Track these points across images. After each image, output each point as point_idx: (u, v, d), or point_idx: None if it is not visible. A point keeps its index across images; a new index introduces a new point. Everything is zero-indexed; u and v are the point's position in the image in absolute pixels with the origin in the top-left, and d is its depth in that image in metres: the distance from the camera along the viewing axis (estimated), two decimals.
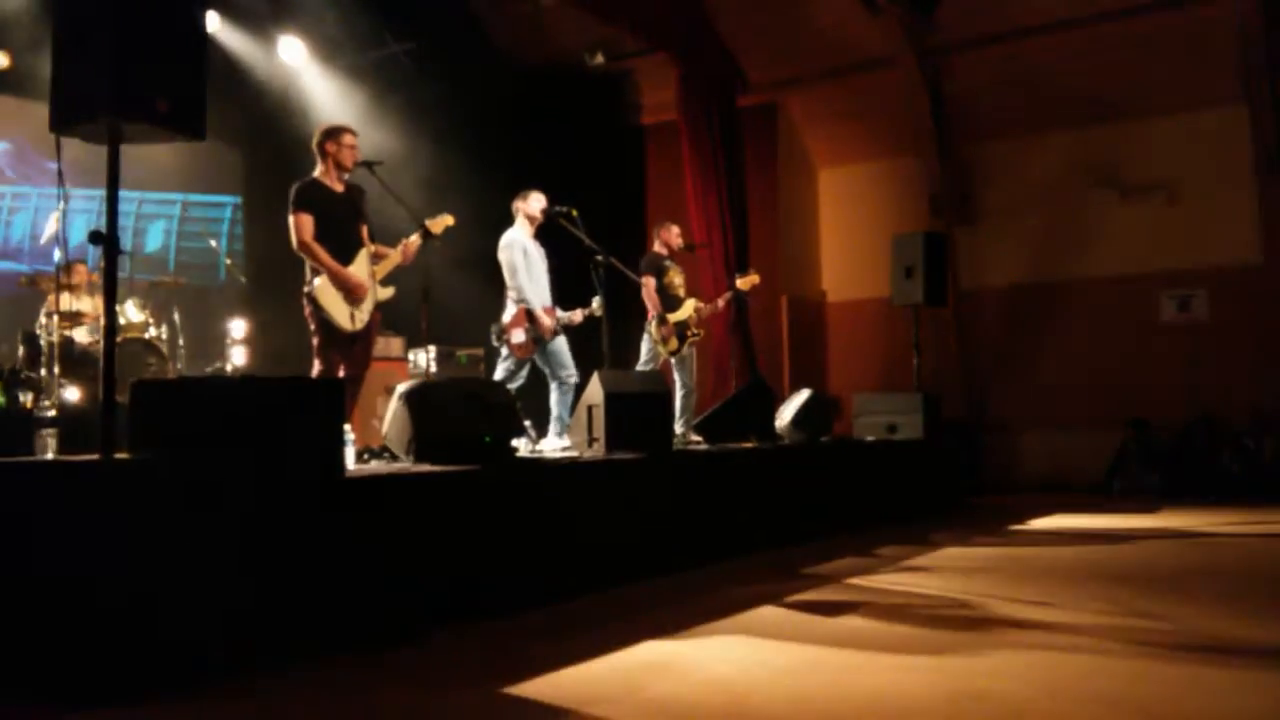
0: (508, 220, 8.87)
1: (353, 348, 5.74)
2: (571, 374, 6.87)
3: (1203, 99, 10.14)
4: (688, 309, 7.83)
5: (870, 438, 8.39)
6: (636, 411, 5.69)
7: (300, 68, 9.84)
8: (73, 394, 6.84)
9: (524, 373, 6.90)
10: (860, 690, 3.06)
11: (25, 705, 2.97)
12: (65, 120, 3.55)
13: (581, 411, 5.74)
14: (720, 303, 8.22)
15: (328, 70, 9.97)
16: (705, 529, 5.67)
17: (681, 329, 7.81)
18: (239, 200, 10.47)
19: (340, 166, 5.81)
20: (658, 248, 8.03)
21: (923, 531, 6.95)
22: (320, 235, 5.59)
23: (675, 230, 8.05)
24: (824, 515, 6.82)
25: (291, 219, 5.59)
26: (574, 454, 5.74)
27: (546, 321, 6.74)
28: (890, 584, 4.92)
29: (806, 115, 11.90)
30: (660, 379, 6.36)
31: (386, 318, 8.12)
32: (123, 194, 3.62)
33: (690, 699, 3.00)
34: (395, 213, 6.62)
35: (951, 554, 6.03)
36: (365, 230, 5.86)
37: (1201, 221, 10.22)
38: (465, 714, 2.95)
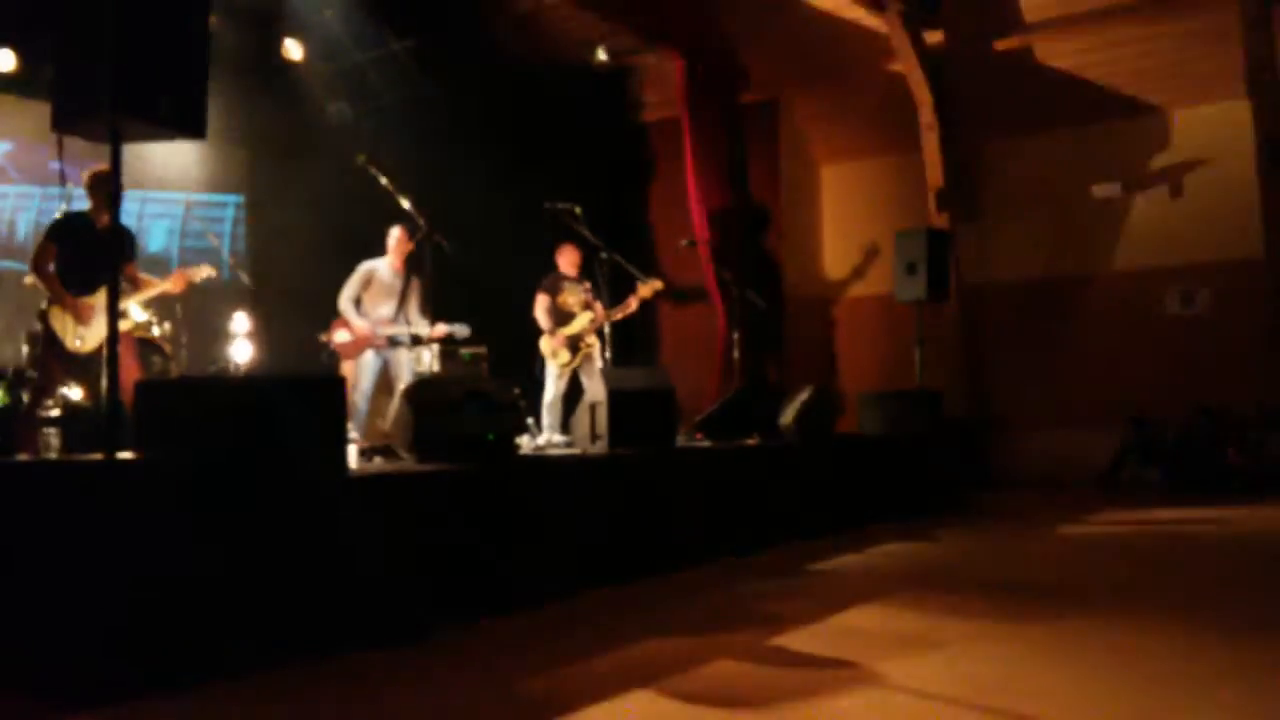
0: (510, 216, 8.91)
1: (84, 369, 6.19)
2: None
3: (1207, 94, 10.11)
4: (580, 323, 8.19)
5: (873, 434, 8.38)
6: (640, 408, 5.69)
7: (302, 66, 9.84)
8: (76, 394, 6.84)
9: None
10: (866, 689, 3.06)
11: (29, 704, 2.98)
12: (67, 119, 3.56)
13: (585, 408, 5.74)
14: (620, 313, 8.31)
15: (330, 68, 9.98)
16: (709, 526, 5.67)
17: (573, 341, 8.15)
18: (241, 199, 10.48)
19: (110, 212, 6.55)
20: (563, 268, 8.37)
21: (926, 528, 6.94)
22: (66, 265, 6.11)
23: (573, 251, 8.36)
24: (827, 512, 6.81)
25: (39, 244, 6.21)
26: (577, 451, 5.74)
27: (359, 326, 7.46)
28: (894, 580, 4.91)
29: (809, 111, 11.88)
30: (665, 375, 6.37)
31: None
32: (126, 193, 3.63)
33: (696, 696, 3.00)
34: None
35: (954, 550, 6.03)
36: (131, 267, 6.44)
37: (1205, 216, 10.19)
38: (469, 710, 2.96)
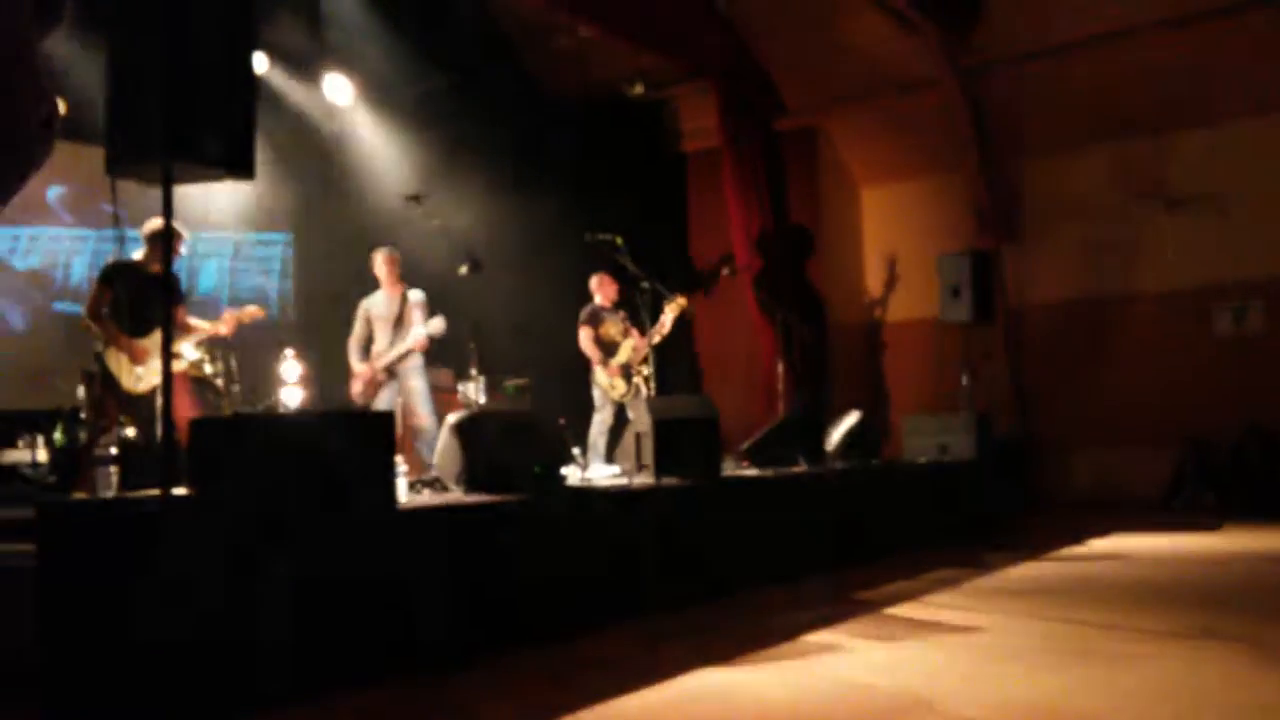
0: (552, 248, 8.99)
1: (139, 409, 6.33)
2: (419, 418, 7.39)
3: (1252, 108, 10.01)
4: (625, 351, 8.25)
5: (921, 459, 8.31)
6: (685, 437, 5.70)
7: (346, 105, 10.00)
8: (132, 431, 6.97)
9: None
10: (919, 715, 3.04)
11: None
12: (119, 163, 3.64)
13: (630, 438, 5.76)
14: (656, 336, 8.30)
15: (373, 106, 10.13)
16: (756, 554, 5.65)
17: (625, 371, 8.21)
18: (290, 237, 10.64)
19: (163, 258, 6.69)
20: (597, 301, 8.42)
21: (976, 553, 6.86)
22: (119, 308, 6.31)
23: (610, 283, 8.43)
24: (875, 538, 6.76)
25: (92, 290, 6.41)
26: (623, 481, 5.75)
27: (358, 370, 7.47)
28: (944, 607, 4.86)
29: (847, 136, 11.89)
30: (709, 404, 6.37)
31: (436, 349, 8.25)
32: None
33: None
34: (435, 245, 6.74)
35: (1006, 575, 5.96)
36: (180, 311, 6.63)
37: (1254, 232, 10.05)
38: None
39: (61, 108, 7.67)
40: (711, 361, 11.50)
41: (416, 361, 7.53)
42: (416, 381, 7.51)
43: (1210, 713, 2.97)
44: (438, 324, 7.31)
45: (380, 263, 7.60)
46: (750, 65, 10.62)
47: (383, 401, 7.44)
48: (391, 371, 7.49)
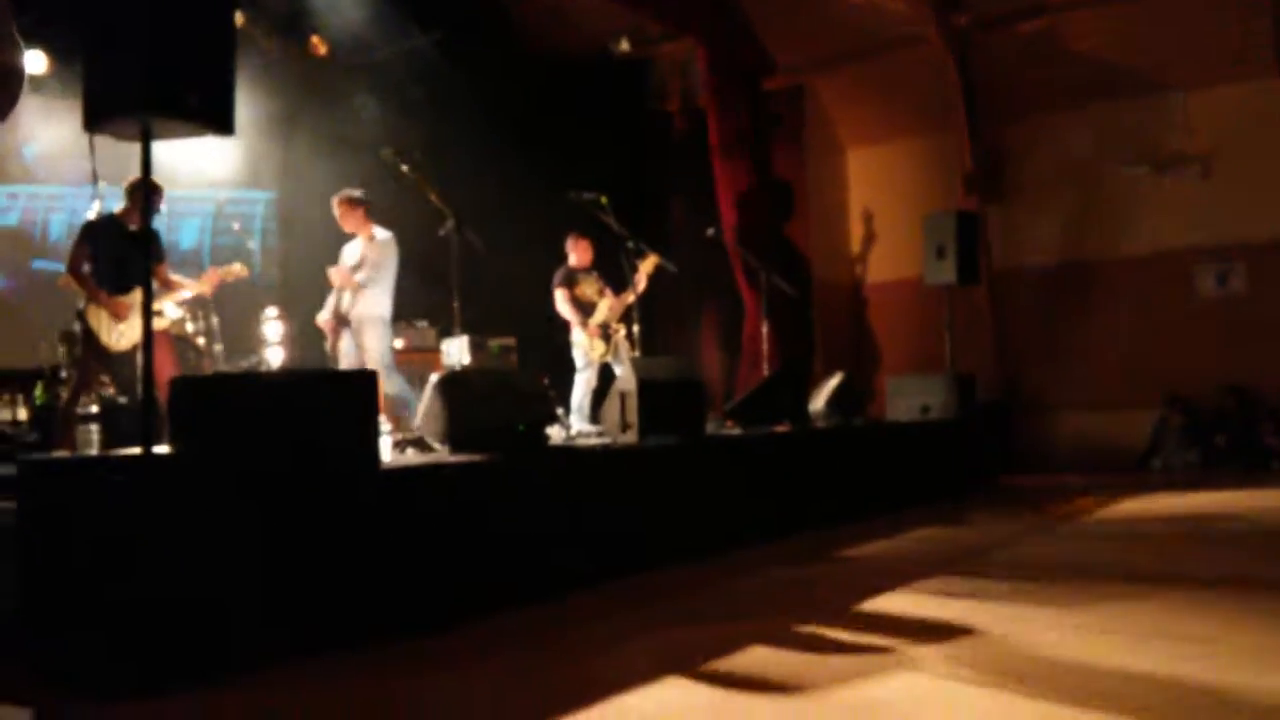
0: (534, 207, 8.93)
1: (120, 366, 6.35)
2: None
3: (1238, 71, 9.99)
4: (603, 311, 8.29)
5: (904, 419, 8.35)
6: (669, 397, 5.70)
7: (329, 61, 9.88)
8: (113, 390, 6.93)
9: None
10: (902, 674, 3.06)
11: (65, 698, 3.03)
12: (98, 119, 3.59)
13: (614, 398, 5.76)
14: (632, 294, 8.21)
15: (356, 62, 10.02)
16: (740, 513, 5.67)
17: (604, 330, 8.26)
18: (272, 196, 10.54)
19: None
20: (572, 262, 8.44)
21: (958, 512, 6.92)
22: (100, 265, 6.32)
23: (585, 243, 8.43)
24: (858, 498, 6.80)
25: (72, 247, 6.44)
26: (607, 440, 5.76)
27: (319, 323, 7.45)
28: (927, 565, 4.90)
29: (834, 96, 11.83)
30: (694, 365, 6.37)
31: (420, 308, 8.19)
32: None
33: (730, 682, 3.01)
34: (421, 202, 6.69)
35: (988, 534, 6.00)
36: (161, 268, 6.59)
37: (1238, 195, 10.07)
38: (499, 698, 2.98)
39: (44, 63, 7.52)
40: (697, 321, 11.50)
41: (375, 316, 7.25)
42: (369, 340, 7.23)
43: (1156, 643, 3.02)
44: (333, 270, 7.30)
45: (334, 208, 7.43)
46: (737, 23, 10.53)
47: (341, 353, 7.27)
48: (343, 319, 7.27)
